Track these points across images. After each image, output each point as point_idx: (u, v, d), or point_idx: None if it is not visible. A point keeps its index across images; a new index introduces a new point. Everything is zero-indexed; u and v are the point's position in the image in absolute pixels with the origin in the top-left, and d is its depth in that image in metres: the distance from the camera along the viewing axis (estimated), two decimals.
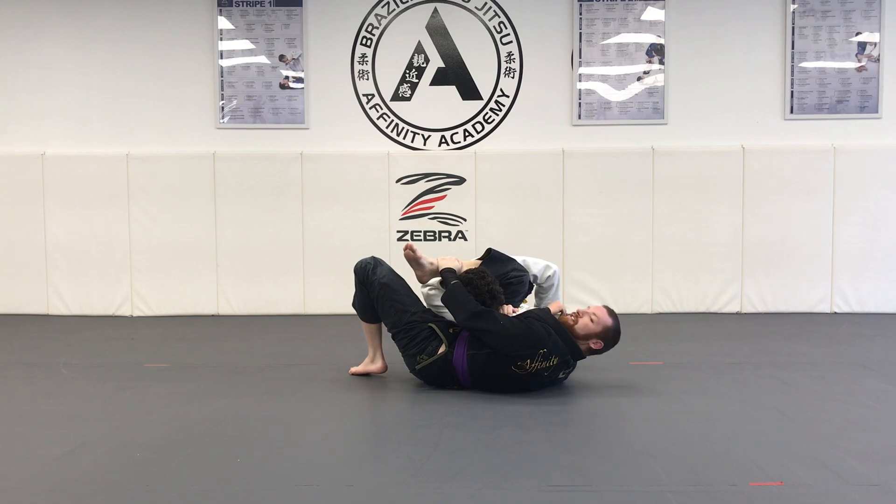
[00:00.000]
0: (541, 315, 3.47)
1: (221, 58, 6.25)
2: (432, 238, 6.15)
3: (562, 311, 3.64)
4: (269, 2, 6.20)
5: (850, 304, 6.03)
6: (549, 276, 3.92)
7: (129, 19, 6.25)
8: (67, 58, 6.29)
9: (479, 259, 3.93)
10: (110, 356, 4.59)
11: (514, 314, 3.57)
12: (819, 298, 6.05)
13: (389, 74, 6.25)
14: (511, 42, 6.22)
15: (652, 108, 6.17)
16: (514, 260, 3.87)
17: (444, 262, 3.72)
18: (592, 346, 3.44)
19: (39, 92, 6.32)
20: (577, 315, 3.46)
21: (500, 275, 3.73)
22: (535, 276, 3.91)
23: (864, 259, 6.01)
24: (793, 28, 6.09)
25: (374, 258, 3.82)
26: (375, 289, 3.68)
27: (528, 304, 4.06)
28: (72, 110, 6.31)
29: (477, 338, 3.43)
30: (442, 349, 3.51)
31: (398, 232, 6.16)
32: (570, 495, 2.32)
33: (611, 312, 3.47)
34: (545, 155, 6.12)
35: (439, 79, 6.23)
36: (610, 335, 3.44)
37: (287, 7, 6.20)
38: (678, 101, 6.16)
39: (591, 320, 3.41)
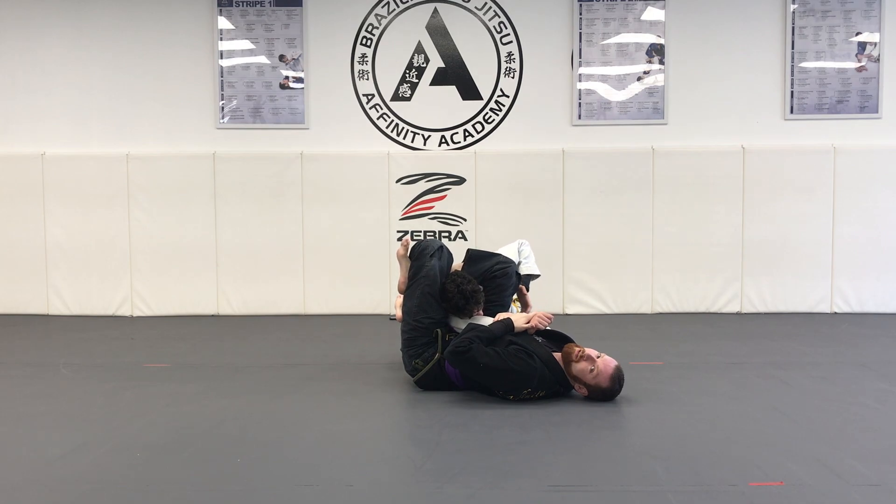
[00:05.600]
0: (533, 349, 3.35)
1: (221, 58, 6.24)
2: (432, 238, 6.15)
3: (531, 323, 3.51)
4: (269, 2, 6.20)
5: (850, 304, 6.03)
6: (521, 249, 3.99)
7: (129, 19, 6.25)
8: (67, 58, 6.29)
9: (462, 262, 3.93)
10: (110, 356, 4.59)
11: (513, 332, 3.50)
12: (819, 298, 6.04)
13: (389, 74, 6.24)
14: (511, 42, 6.22)
15: (652, 108, 6.16)
16: (497, 254, 3.89)
17: None
18: (577, 389, 3.37)
19: (39, 92, 6.32)
20: (582, 356, 3.30)
21: (484, 270, 3.74)
22: (517, 259, 3.95)
23: (864, 259, 6.01)
24: (793, 28, 6.08)
25: (441, 247, 3.77)
26: (419, 271, 3.67)
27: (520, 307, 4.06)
28: (72, 110, 6.31)
29: None
30: (437, 356, 3.53)
31: (398, 232, 6.16)
32: (570, 495, 2.32)
33: (614, 378, 3.29)
34: (545, 155, 6.12)
35: (439, 79, 6.23)
36: (597, 394, 3.33)
37: (287, 7, 6.20)
38: (678, 101, 6.16)
39: (590, 370, 3.28)
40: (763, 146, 6.05)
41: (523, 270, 3.99)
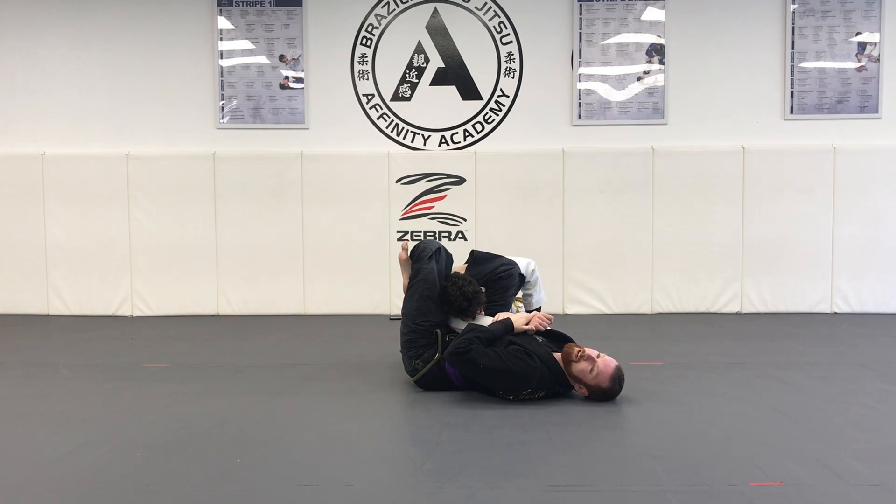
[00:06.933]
0: (532, 349, 3.34)
1: (221, 58, 6.24)
2: (432, 238, 6.15)
3: (529, 322, 3.50)
4: (269, 2, 6.20)
5: (850, 304, 6.03)
6: (533, 269, 3.95)
7: (129, 19, 6.25)
8: (67, 58, 6.29)
9: (465, 263, 3.93)
10: (110, 356, 4.59)
11: (512, 336, 3.49)
12: (819, 298, 6.04)
13: (389, 74, 6.24)
14: (511, 42, 6.22)
15: (652, 108, 6.16)
16: (500, 256, 3.88)
17: None
18: (577, 389, 3.37)
19: (39, 92, 6.32)
20: (582, 356, 3.29)
21: (488, 272, 3.74)
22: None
23: (864, 259, 6.01)
24: (793, 28, 6.08)
25: (440, 248, 3.77)
26: (417, 274, 3.67)
27: (521, 307, 4.06)
28: (72, 110, 6.31)
29: None
30: (437, 356, 3.52)
31: (398, 232, 6.16)
32: (570, 495, 2.32)
33: (614, 378, 3.28)
34: (545, 155, 6.11)
35: (439, 79, 6.23)
36: (597, 395, 3.31)
37: (287, 7, 6.20)
38: (678, 101, 6.16)
39: (591, 370, 3.26)
40: (763, 146, 6.05)
41: (534, 304, 4.01)
